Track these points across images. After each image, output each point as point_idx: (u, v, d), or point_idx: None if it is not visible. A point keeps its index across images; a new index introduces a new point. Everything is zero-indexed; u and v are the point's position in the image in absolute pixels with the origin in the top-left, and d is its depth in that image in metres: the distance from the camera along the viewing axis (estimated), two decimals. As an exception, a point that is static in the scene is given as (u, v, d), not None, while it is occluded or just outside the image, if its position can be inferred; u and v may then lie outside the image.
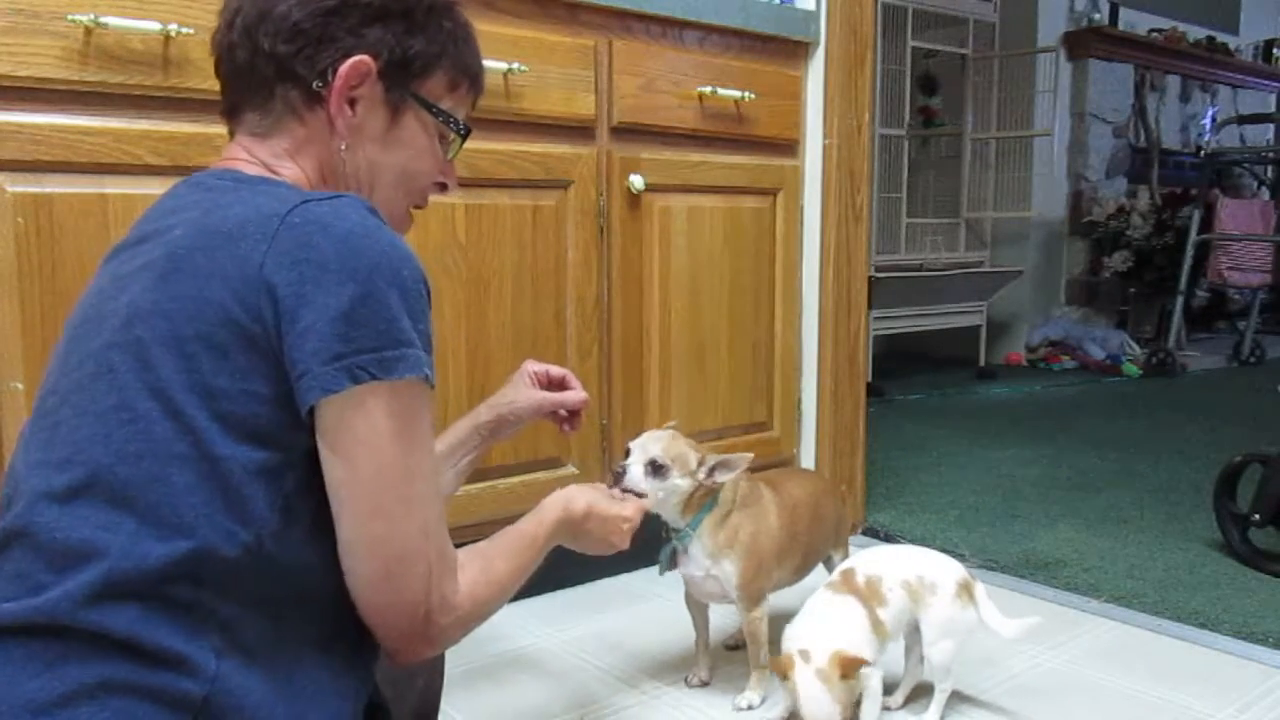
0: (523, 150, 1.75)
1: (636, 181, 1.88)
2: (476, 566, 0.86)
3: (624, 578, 1.98)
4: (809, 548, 1.59)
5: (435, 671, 1.08)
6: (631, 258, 1.92)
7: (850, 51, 2.18)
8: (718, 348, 2.08)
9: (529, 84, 1.73)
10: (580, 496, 1.06)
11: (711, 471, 1.40)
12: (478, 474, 1.75)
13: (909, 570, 1.40)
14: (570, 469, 1.87)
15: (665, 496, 1.37)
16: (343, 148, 0.86)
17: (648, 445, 1.38)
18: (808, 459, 2.26)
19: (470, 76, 0.94)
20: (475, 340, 1.72)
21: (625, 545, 1.12)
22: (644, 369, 1.97)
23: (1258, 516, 2.06)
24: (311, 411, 0.73)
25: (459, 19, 0.92)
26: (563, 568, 1.37)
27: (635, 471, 1.35)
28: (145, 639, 0.67)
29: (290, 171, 0.85)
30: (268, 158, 0.85)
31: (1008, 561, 2.10)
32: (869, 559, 1.42)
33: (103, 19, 1.30)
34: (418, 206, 0.97)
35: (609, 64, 1.84)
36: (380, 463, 0.74)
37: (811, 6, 2.16)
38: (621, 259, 1.90)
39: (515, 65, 1.69)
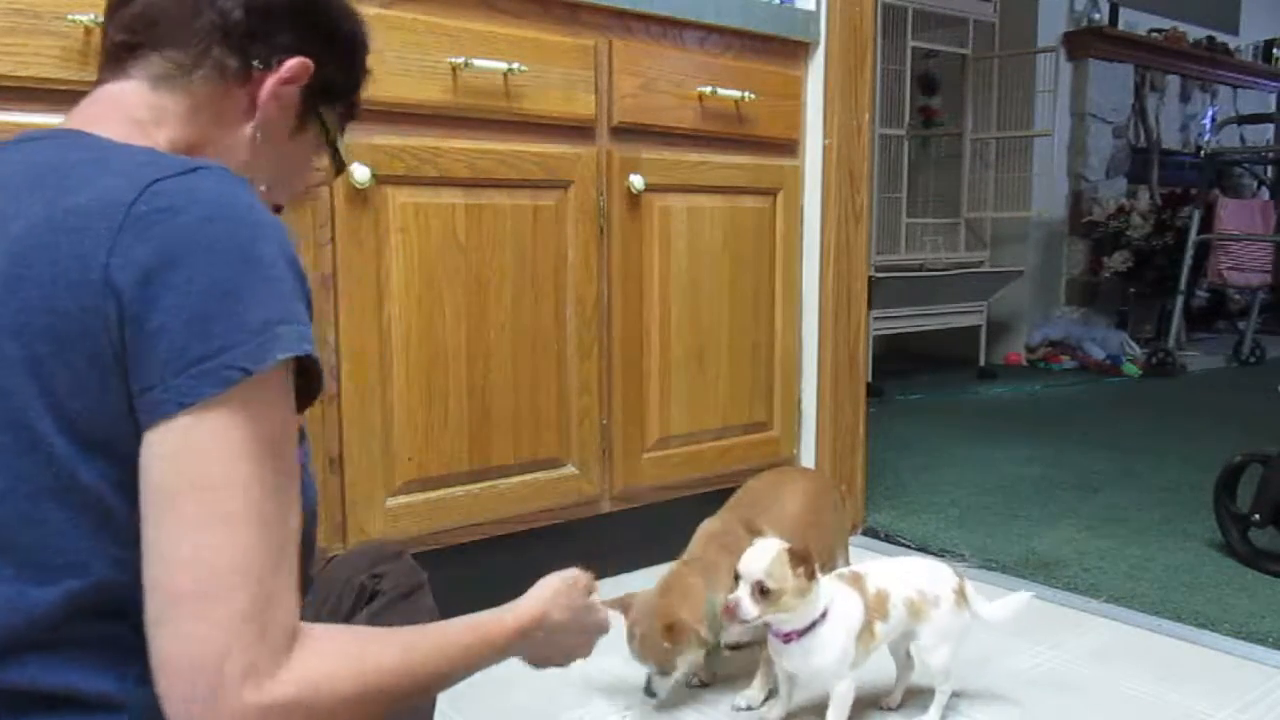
0: (523, 150, 1.75)
1: (636, 181, 1.88)
2: (338, 645, 0.67)
3: (624, 578, 1.98)
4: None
5: None
6: (631, 258, 1.92)
7: (850, 51, 2.18)
8: (718, 348, 2.08)
9: (529, 84, 1.73)
10: (554, 601, 0.91)
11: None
12: (478, 474, 1.75)
13: (911, 587, 1.39)
14: (570, 469, 1.87)
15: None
16: (258, 136, 0.82)
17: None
18: (808, 459, 2.26)
19: (356, 110, 0.95)
20: (475, 340, 1.72)
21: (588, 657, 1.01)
22: (644, 369, 1.97)
23: (1258, 516, 2.06)
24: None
25: (367, 60, 0.93)
26: (563, 568, 1.37)
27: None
28: (53, 687, 0.62)
29: (170, 135, 0.78)
30: (153, 115, 0.77)
31: (1008, 561, 2.10)
32: (879, 571, 1.41)
33: (102, 19, 1.30)
34: (278, 208, 0.91)
35: (609, 64, 1.84)
36: (209, 469, 0.62)
37: (811, 6, 2.16)
38: (621, 259, 1.90)
39: (515, 65, 1.69)
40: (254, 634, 0.61)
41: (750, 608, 1.27)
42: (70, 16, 1.29)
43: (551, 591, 0.94)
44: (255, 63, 0.80)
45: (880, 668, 1.47)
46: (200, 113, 0.79)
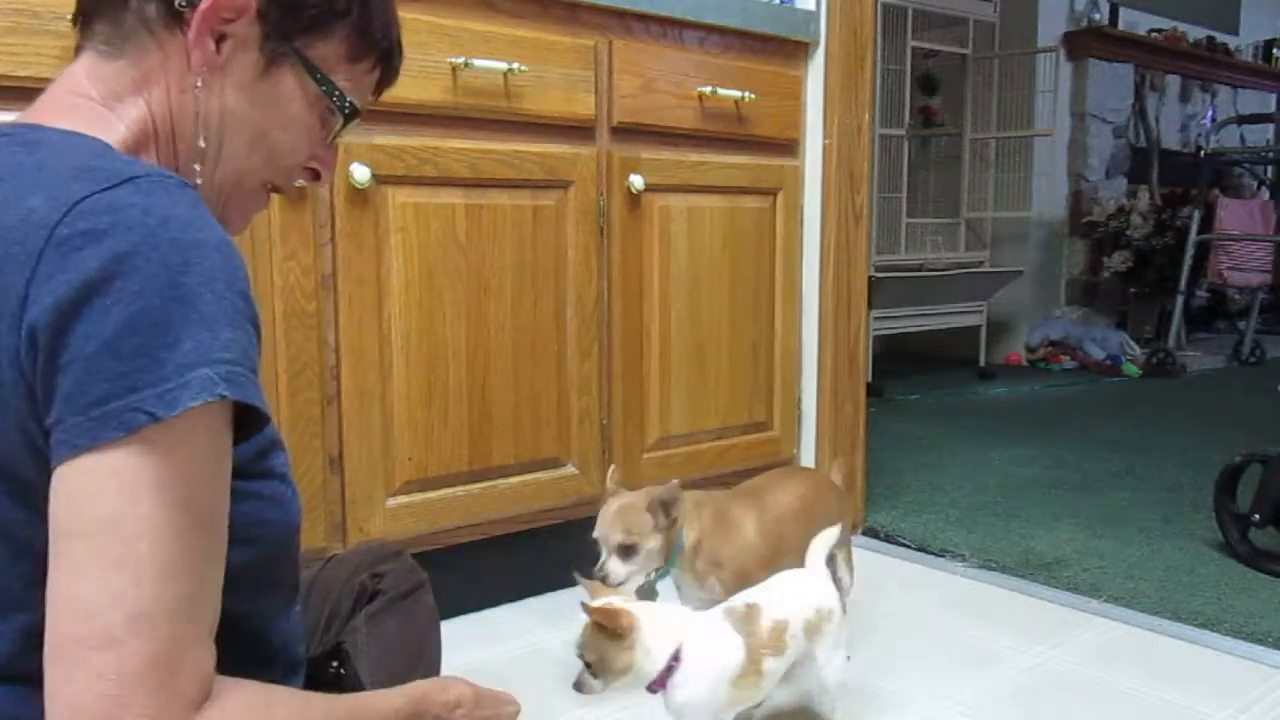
0: (523, 150, 1.75)
1: (636, 181, 1.88)
2: (243, 703, 0.63)
3: (624, 578, 1.98)
4: (802, 551, 1.57)
5: (430, 668, 1.08)
6: (631, 258, 1.92)
7: (850, 51, 2.18)
8: (718, 348, 2.08)
9: (529, 84, 1.73)
10: (455, 685, 0.82)
11: (666, 513, 1.39)
12: (478, 474, 1.75)
13: (809, 607, 1.28)
14: (570, 469, 1.87)
15: (646, 565, 1.39)
16: (198, 84, 0.71)
17: (610, 534, 1.37)
18: (808, 459, 2.26)
19: (378, 52, 0.80)
20: (475, 340, 1.72)
21: None
22: (644, 369, 1.97)
23: (1258, 516, 2.06)
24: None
25: None
26: (563, 567, 1.37)
27: (614, 566, 1.36)
28: (19, 717, 0.60)
29: (134, 111, 0.71)
30: (110, 89, 0.71)
31: (1008, 561, 2.10)
32: (774, 600, 1.27)
33: None
34: (277, 189, 0.81)
35: (609, 64, 1.84)
36: (110, 511, 0.57)
37: (811, 6, 2.16)
38: (621, 259, 1.90)
39: (515, 65, 1.69)
40: (155, 684, 0.57)
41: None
42: (70, 16, 1.29)
43: (444, 686, 0.83)
44: (179, 2, 0.69)
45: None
46: (151, 79, 0.71)
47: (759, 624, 1.22)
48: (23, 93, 1.29)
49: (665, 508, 1.38)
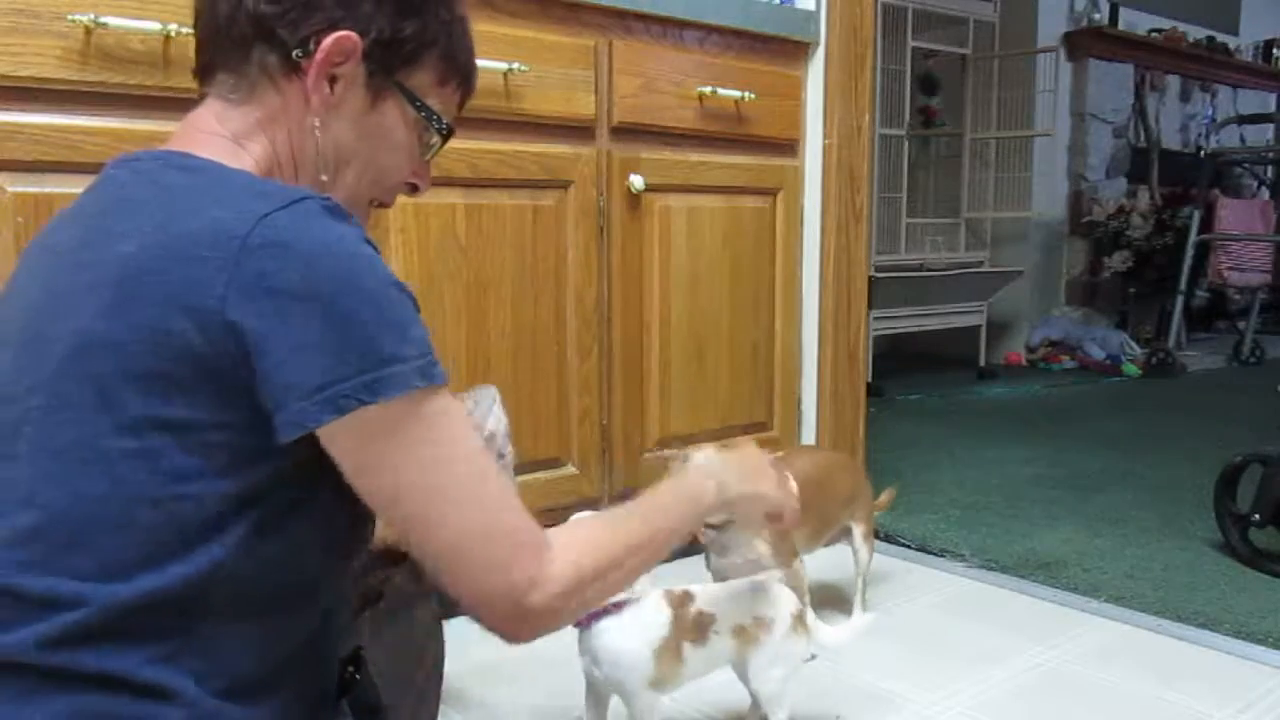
0: (523, 150, 1.75)
1: (636, 181, 1.88)
2: (573, 534, 0.82)
3: (624, 578, 1.98)
4: (820, 518, 1.66)
5: (435, 667, 1.08)
6: (631, 258, 1.92)
7: (850, 51, 2.18)
8: (718, 347, 2.08)
9: (529, 84, 1.73)
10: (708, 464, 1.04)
11: None
12: (478, 474, 1.75)
13: (745, 613, 1.29)
14: (570, 469, 1.87)
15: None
16: (316, 124, 0.80)
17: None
18: (808, 459, 2.26)
19: (462, 74, 0.90)
20: (475, 340, 1.72)
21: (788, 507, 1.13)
22: (644, 369, 1.97)
23: (1258, 516, 2.06)
24: (301, 439, 0.69)
25: (457, 10, 0.87)
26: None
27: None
28: (118, 672, 0.66)
29: (259, 148, 0.80)
30: (238, 129, 0.80)
31: (1008, 561, 2.10)
32: (711, 596, 1.30)
33: (103, 19, 1.31)
34: (383, 204, 0.91)
35: (609, 64, 1.84)
36: (393, 478, 0.71)
37: (811, 6, 2.16)
38: (621, 259, 1.90)
39: (515, 65, 1.69)
40: (522, 542, 0.75)
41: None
42: (70, 16, 1.29)
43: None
44: (295, 52, 0.78)
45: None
46: (275, 121, 0.80)
47: (686, 609, 1.26)
48: (23, 93, 1.29)
49: None
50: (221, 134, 0.79)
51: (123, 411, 0.67)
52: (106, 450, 0.67)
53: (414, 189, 0.92)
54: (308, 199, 0.71)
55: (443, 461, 0.72)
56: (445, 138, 0.89)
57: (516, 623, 0.76)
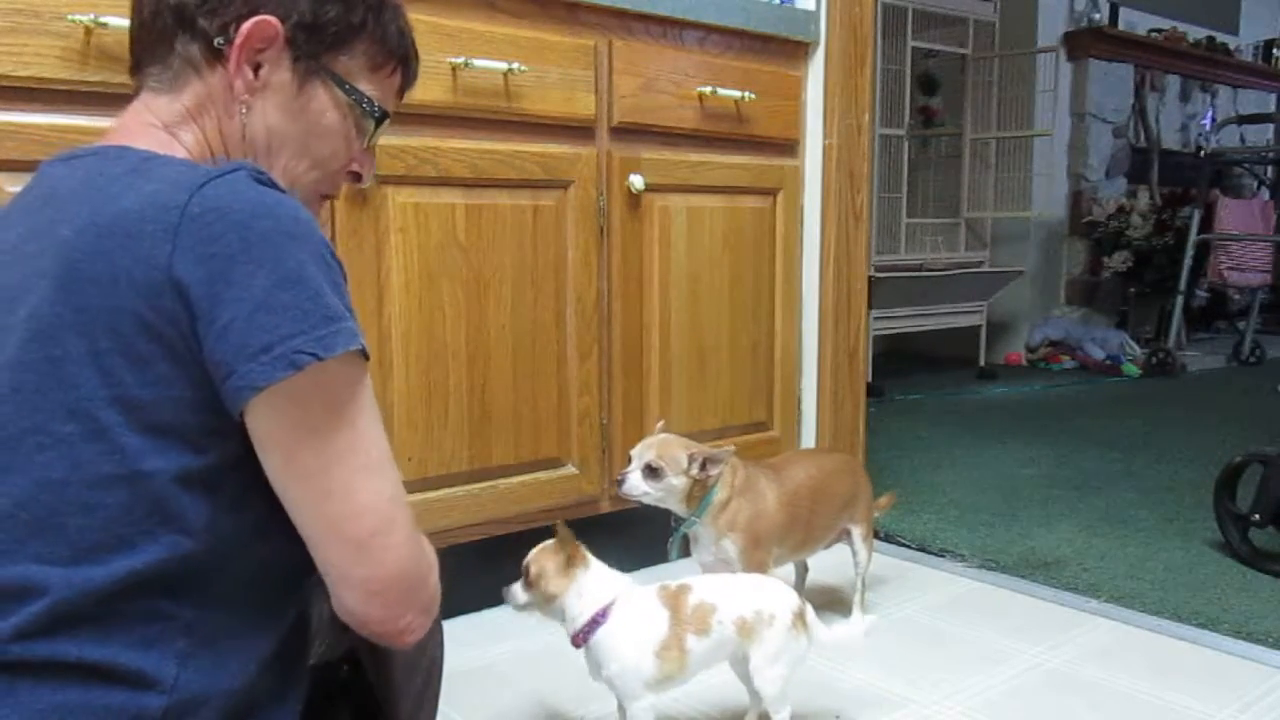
0: (523, 150, 1.75)
1: (636, 181, 1.88)
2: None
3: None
4: (811, 526, 1.68)
5: (434, 668, 1.08)
6: (631, 258, 1.92)
7: (850, 51, 2.18)
8: (718, 347, 2.08)
9: (529, 84, 1.73)
10: None
11: (703, 466, 1.51)
12: (478, 474, 1.75)
13: (746, 605, 1.29)
14: (570, 469, 1.87)
15: (664, 495, 1.51)
16: (243, 110, 0.81)
17: (644, 452, 1.51)
18: (808, 459, 2.26)
19: (397, 58, 0.90)
20: (475, 340, 1.72)
21: None
22: (644, 369, 1.97)
23: (1258, 516, 2.06)
24: (244, 411, 0.69)
25: None
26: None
27: (634, 478, 1.49)
28: (98, 660, 0.66)
29: (190, 136, 0.81)
30: (169, 119, 0.80)
31: (1008, 561, 2.11)
32: (708, 587, 1.32)
33: (103, 19, 1.31)
34: (328, 196, 0.91)
35: (609, 64, 1.84)
36: (324, 445, 0.70)
37: (811, 6, 2.16)
38: (621, 259, 1.90)
39: (515, 65, 1.69)
40: (416, 535, 0.78)
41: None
42: (70, 16, 1.29)
43: None
44: (217, 40, 0.79)
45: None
46: (203, 108, 0.80)
47: (685, 601, 1.28)
48: (23, 93, 1.29)
49: (705, 463, 1.50)
50: (154, 124, 0.80)
51: (76, 392, 0.67)
52: (64, 435, 0.67)
53: (357, 178, 0.92)
54: (241, 169, 0.72)
55: (359, 423, 0.73)
56: (379, 122, 0.89)
57: (415, 612, 0.78)
